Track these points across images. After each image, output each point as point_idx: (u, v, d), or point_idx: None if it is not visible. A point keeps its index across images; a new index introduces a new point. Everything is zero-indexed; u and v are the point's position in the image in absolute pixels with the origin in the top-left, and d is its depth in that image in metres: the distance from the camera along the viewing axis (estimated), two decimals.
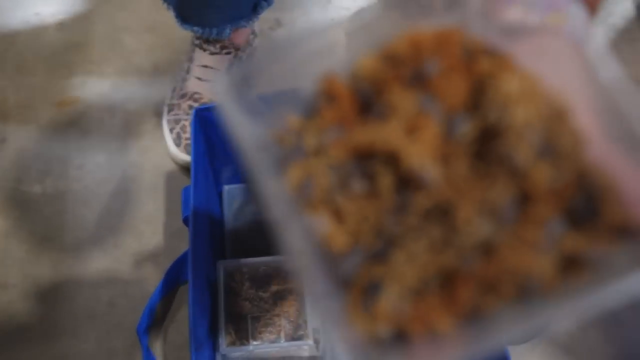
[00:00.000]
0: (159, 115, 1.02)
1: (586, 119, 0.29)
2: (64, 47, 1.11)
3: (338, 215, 0.29)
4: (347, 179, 0.30)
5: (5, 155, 1.01)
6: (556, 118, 0.28)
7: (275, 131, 0.31)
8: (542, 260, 0.27)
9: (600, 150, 0.28)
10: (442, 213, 0.28)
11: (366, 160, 0.30)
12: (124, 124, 1.03)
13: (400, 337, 0.30)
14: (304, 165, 0.30)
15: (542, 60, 0.30)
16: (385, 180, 0.29)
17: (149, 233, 0.94)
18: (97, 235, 0.94)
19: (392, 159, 0.29)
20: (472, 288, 0.28)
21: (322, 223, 0.29)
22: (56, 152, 1.01)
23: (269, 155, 0.30)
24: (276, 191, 0.28)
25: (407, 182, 0.29)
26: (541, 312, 0.27)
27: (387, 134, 0.28)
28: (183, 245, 0.88)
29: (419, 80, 0.29)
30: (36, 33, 1.13)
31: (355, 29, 0.29)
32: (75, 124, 1.03)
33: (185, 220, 0.78)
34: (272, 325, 0.75)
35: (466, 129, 0.29)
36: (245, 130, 0.27)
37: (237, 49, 0.99)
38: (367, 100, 0.30)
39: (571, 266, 0.28)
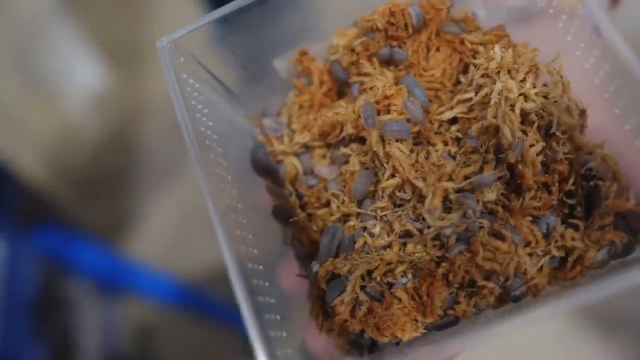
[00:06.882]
0: None
1: (588, 99, 0.25)
2: None
3: (303, 202, 0.27)
4: (315, 165, 0.28)
5: None
6: (555, 90, 0.25)
7: (253, 116, 0.30)
8: (527, 258, 0.24)
9: (607, 131, 0.25)
10: (411, 199, 0.25)
11: (336, 142, 0.28)
12: None
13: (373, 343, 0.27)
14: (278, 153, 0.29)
15: (549, 42, 0.27)
16: (354, 160, 0.27)
17: None
18: None
19: (360, 139, 0.27)
20: (442, 287, 0.24)
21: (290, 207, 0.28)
22: None
23: (245, 138, 0.29)
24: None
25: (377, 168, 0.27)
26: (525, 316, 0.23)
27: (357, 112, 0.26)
28: None
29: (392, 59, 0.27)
30: None
31: None
32: None
33: None
34: None
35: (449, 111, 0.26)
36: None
37: None
38: (342, 83, 0.29)
39: (566, 265, 0.24)
